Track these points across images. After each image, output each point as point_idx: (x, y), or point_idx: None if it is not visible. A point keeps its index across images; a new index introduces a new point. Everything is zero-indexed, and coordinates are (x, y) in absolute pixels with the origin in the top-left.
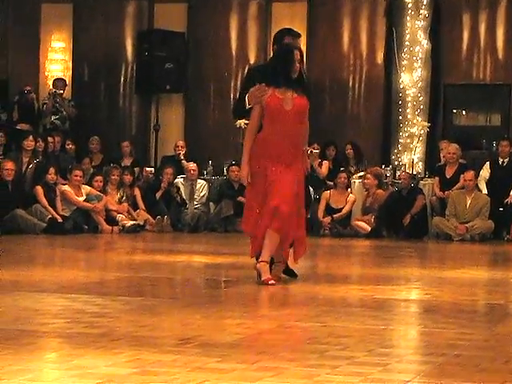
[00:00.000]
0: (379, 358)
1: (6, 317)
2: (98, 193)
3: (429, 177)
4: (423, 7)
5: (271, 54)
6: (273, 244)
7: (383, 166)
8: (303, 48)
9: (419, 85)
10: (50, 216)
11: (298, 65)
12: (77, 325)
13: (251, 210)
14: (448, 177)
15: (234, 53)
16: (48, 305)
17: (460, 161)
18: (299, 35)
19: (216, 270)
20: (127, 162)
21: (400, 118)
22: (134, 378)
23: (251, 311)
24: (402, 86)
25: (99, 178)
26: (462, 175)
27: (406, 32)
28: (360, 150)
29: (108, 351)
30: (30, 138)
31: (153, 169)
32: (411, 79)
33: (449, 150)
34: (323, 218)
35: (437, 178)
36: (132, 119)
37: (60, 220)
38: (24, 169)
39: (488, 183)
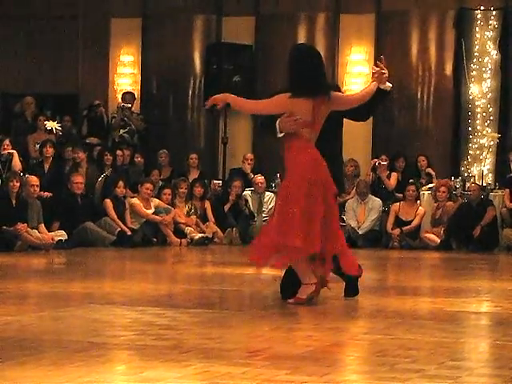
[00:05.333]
0: (450, 371)
1: (76, 329)
2: (167, 205)
3: (499, 188)
4: (492, 18)
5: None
6: None
7: (453, 178)
8: (372, 59)
9: (489, 96)
10: (119, 229)
11: None
12: (146, 337)
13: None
14: None
15: None
16: (118, 317)
17: None
18: None
19: None
20: (194, 174)
21: (469, 129)
22: None
23: (320, 323)
24: (471, 97)
25: (168, 190)
26: None
27: (475, 43)
28: (430, 162)
29: (177, 363)
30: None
31: (221, 181)
32: (480, 90)
33: None
34: (392, 230)
35: (507, 190)
36: (200, 132)
37: (129, 233)
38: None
39: None
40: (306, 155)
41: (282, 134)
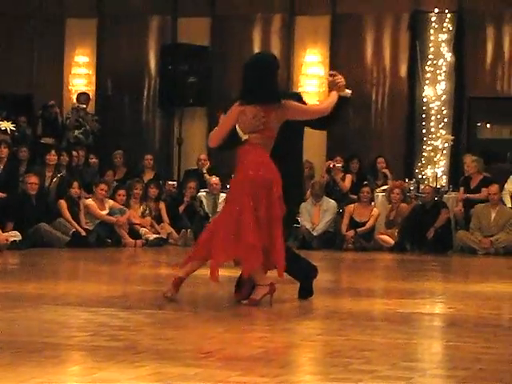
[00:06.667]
0: (402, 371)
1: (30, 329)
2: (122, 206)
3: (453, 190)
4: (447, 20)
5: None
6: None
7: (406, 180)
8: (327, 61)
9: (443, 98)
10: (73, 230)
11: None
12: (100, 338)
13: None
14: (472, 187)
15: None
16: (71, 318)
17: (484, 174)
18: None
19: None
20: (149, 175)
21: (423, 131)
22: None
23: (274, 325)
24: (425, 100)
25: (122, 191)
26: (485, 188)
27: (430, 45)
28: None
29: (130, 364)
30: (53, 152)
31: (175, 182)
32: (435, 92)
33: (467, 163)
34: (347, 231)
35: (462, 188)
36: (155, 133)
37: (83, 234)
38: (48, 183)
39: None
40: (253, 156)
41: (247, 136)
